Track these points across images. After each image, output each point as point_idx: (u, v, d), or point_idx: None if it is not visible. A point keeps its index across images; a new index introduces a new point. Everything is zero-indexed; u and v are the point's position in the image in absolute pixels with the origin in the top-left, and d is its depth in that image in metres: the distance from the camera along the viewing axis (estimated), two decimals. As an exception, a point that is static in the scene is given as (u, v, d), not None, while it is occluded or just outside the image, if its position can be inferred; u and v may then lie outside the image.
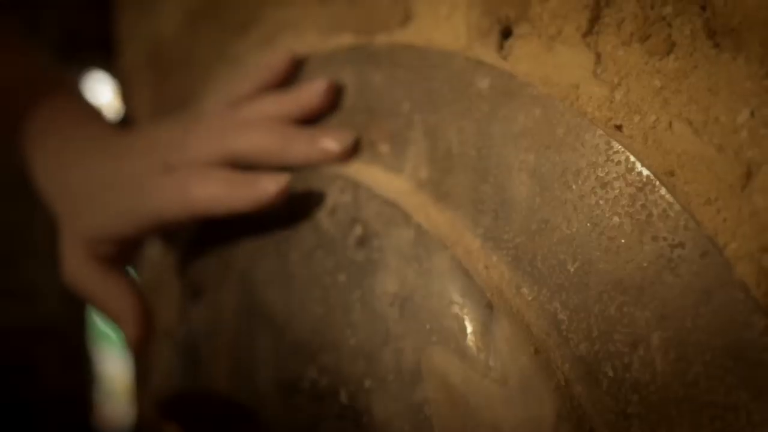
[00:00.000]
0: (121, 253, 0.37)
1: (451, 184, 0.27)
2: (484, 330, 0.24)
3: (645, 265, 0.22)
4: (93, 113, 0.41)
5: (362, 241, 0.28)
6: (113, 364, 1.19)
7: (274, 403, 0.30)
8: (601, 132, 0.24)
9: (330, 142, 0.31)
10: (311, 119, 0.33)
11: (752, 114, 0.21)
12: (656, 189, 0.22)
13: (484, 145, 0.26)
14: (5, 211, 0.85)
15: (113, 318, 0.36)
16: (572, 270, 0.23)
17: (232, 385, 0.32)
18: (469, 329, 0.24)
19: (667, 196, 0.22)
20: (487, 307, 0.24)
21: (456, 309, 0.25)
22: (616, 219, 0.23)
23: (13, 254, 0.86)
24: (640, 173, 0.23)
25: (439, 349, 0.25)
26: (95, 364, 1.02)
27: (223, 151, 0.33)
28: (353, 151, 0.31)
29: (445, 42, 0.29)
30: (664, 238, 0.22)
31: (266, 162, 0.32)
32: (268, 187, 0.30)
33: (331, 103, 0.33)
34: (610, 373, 0.22)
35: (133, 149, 0.36)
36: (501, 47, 0.27)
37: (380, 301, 0.26)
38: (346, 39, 0.33)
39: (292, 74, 0.35)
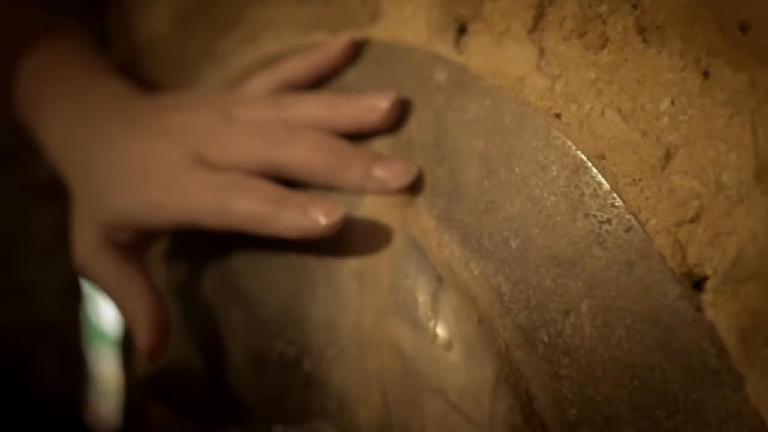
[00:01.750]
0: (140, 242, 0.35)
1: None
2: (434, 301, 0.27)
3: (577, 240, 0.25)
4: (105, 65, 0.38)
5: None
6: (108, 364, 1.21)
7: (247, 374, 0.32)
8: (542, 120, 0.26)
9: (388, 176, 0.29)
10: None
11: (673, 102, 0.24)
12: (588, 171, 0.25)
13: (441, 133, 0.29)
14: (2, 210, 0.86)
15: (127, 318, 0.33)
16: (514, 246, 0.26)
17: (209, 360, 0.35)
18: (420, 300, 0.27)
19: (598, 177, 0.25)
20: (437, 281, 0.27)
21: (409, 282, 0.27)
22: (552, 198, 0.26)
23: (10, 253, 0.88)
24: (574, 157, 0.25)
25: (394, 320, 0.27)
26: (91, 363, 1.04)
27: (267, 159, 0.30)
28: (410, 187, 0.29)
29: (409, 38, 0.32)
30: (594, 215, 0.25)
31: (311, 181, 0.30)
32: (319, 218, 0.28)
33: (392, 123, 0.30)
34: (545, 339, 0.25)
35: (165, 129, 0.33)
36: (457, 43, 0.30)
37: (342, 277, 0.29)
38: (321, 36, 0.36)
39: (350, 59, 0.33)
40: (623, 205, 0.24)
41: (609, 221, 0.24)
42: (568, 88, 0.26)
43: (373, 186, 0.29)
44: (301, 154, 0.30)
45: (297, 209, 0.29)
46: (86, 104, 0.36)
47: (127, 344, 0.48)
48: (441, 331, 0.26)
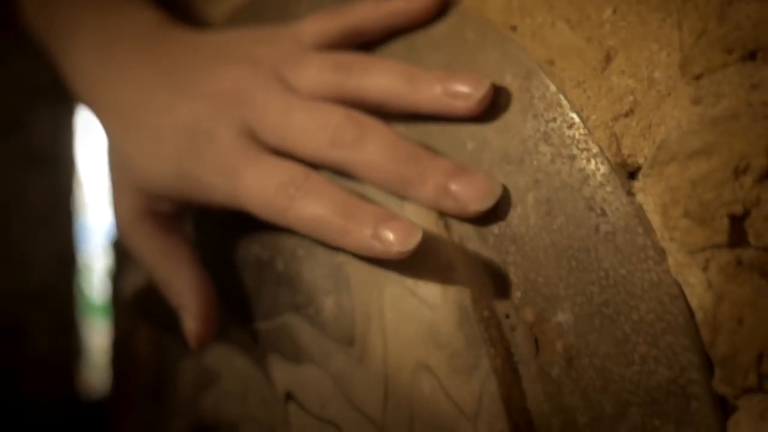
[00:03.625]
0: (180, 213, 0.34)
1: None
2: (398, 201, 0.29)
3: (526, 138, 0.28)
4: None
5: None
6: (100, 336, 1.23)
7: (228, 277, 0.35)
8: (500, 33, 0.29)
9: (469, 196, 0.27)
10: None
11: (614, 11, 0.27)
12: (538, 76, 0.28)
13: (410, 57, 0.32)
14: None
15: (173, 301, 0.33)
16: (470, 148, 0.29)
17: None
18: (381, 198, 0.30)
19: (546, 81, 0.28)
20: None
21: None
22: (506, 103, 0.29)
23: (3, 220, 0.89)
24: (526, 64, 0.28)
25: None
26: (83, 334, 1.07)
27: (331, 158, 0.29)
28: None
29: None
30: (542, 116, 0.28)
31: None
32: (393, 245, 0.26)
33: (480, 114, 0.28)
34: (496, 231, 0.28)
35: (214, 93, 0.30)
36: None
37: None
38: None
39: (435, 16, 0.31)
40: (568, 104, 0.27)
41: (554, 119, 0.27)
42: (523, 2, 0.29)
43: (450, 206, 0.27)
44: (371, 159, 0.28)
45: (369, 227, 0.27)
46: (114, 36, 0.34)
47: (116, 269, 0.51)
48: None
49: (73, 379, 0.99)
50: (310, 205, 0.28)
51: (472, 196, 0.27)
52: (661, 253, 0.24)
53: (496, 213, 0.28)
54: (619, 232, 0.25)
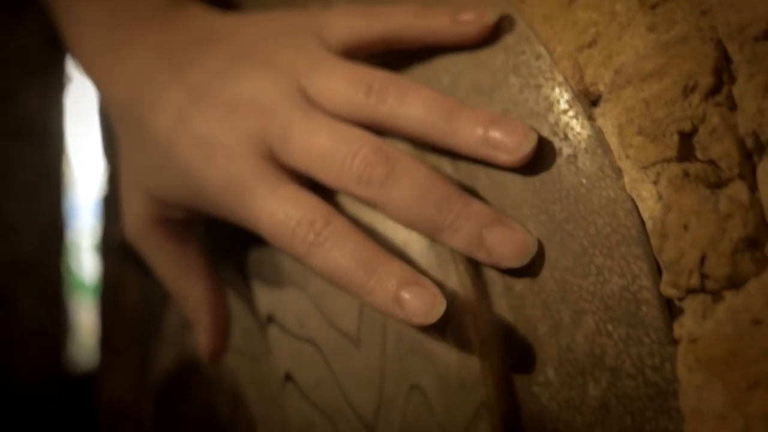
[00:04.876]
0: (194, 219, 0.33)
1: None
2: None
3: (497, 71, 0.30)
4: None
5: None
6: (86, 313, 1.24)
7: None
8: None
9: (505, 250, 0.26)
10: None
11: (581, -49, 0.29)
12: (510, 14, 0.30)
13: None
14: None
15: (186, 313, 0.33)
16: (446, 82, 0.31)
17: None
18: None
19: (515, 17, 0.30)
20: None
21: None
22: (479, 41, 0.31)
23: None
24: (500, 3, 0.31)
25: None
26: (70, 308, 1.08)
27: (356, 194, 0.28)
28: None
29: None
30: (512, 48, 0.30)
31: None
32: (415, 315, 0.25)
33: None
34: (466, 162, 0.30)
35: (230, 102, 0.29)
36: None
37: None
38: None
39: (482, 41, 0.29)
40: (536, 38, 0.29)
41: (524, 52, 0.29)
42: (498, -54, 0.32)
43: (482, 258, 0.27)
44: (401, 201, 0.27)
45: (391, 288, 0.26)
46: (122, 16, 0.33)
47: (104, 217, 0.53)
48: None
49: (60, 352, 1.00)
50: (331, 255, 0.27)
51: (507, 252, 0.26)
52: (618, 171, 0.26)
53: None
54: (580, 154, 0.27)
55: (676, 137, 0.25)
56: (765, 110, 0.23)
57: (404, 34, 0.30)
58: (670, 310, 0.25)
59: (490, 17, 0.28)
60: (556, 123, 0.28)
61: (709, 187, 0.24)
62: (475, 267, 0.29)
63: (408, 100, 0.28)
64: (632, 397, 0.25)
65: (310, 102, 0.29)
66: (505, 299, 0.28)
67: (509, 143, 0.26)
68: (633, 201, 0.26)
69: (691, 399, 0.24)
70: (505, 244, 0.26)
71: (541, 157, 0.28)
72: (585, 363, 0.26)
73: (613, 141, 0.27)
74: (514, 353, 0.28)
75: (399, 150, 0.28)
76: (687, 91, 0.24)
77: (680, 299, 0.25)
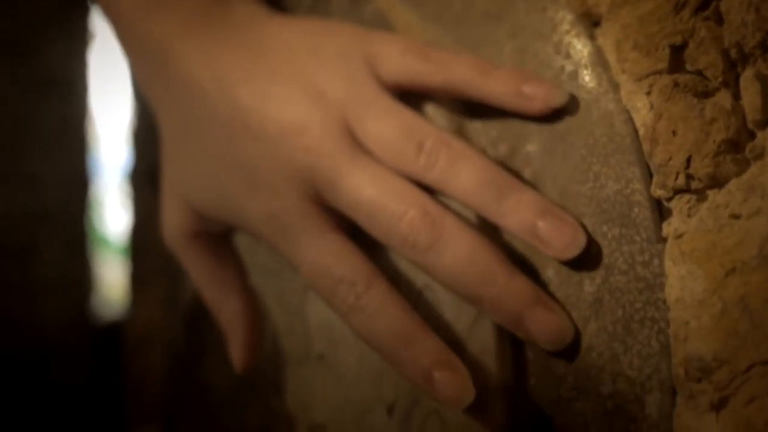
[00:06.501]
0: (231, 235, 0.35)
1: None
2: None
3: None
4: None
5: None
6: (109, 268, 1.28)
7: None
8: None
9: (547, 335, 0.27)
10: None
11: None
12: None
13: None
14: (12, 100, 0.93)
15: (221, 324, 0.34)
16: (458, 7, 0.34)
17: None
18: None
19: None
20: None
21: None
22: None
23: (16, 143, 0.94)
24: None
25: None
26: (94, 261, 1.12)
27: (402, 252, 0.28)
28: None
29: None
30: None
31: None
32: (444, 393, 0.26)
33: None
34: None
35: (277, 131, 0.29)
36: None
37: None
38: None
39: (545, 113, 0.29)
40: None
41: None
42: None
43: (521, 334, 0.27)
44: (445, 268, 0.27)
45: (424, 365, 0.27)
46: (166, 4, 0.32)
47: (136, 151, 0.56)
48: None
49: (83, 303, 1.04)
50: (368, 321, 0.27)
51: (545, 336, 0.27)
52: (615, 85, 0.29)
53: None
54: (581, 70, 0.30)
55: (667, 50, 0.27)
56: (749, 23, 0.26)
57: (463, 90, 0.30)
58: (660, 211, 0.28)
59: (557, 100, 0.29)
60: (560, 42, 0.31)
61: (696, 96, 0.27)
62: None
63: (458, 168, 0.28)
64: (623, 291, 0.28)
65: (357, 144, 0.29)
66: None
67: (558, 242, 0.27)
68: (628, 113, 0.29)
69: (675, 289, 0.27)
70: (544, 328, 0.27)
71: (544, 74, 0.31)
72: (582, 262, 0.29)
73: (611, 57, 0.29)
74: (516, 260, 0.31)
75: (446, 213, 0.28)
76: (678, 7, 0.27)
77: (668, 200, 0.28)
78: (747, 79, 0.26)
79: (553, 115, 0.30)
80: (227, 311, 0.33)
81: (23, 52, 0.91)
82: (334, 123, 0.29)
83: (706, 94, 0.27)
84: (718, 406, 0.25)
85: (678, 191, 0.27)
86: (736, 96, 0.27)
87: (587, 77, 0.30)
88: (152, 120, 0.36)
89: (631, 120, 0.29)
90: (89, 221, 1.03)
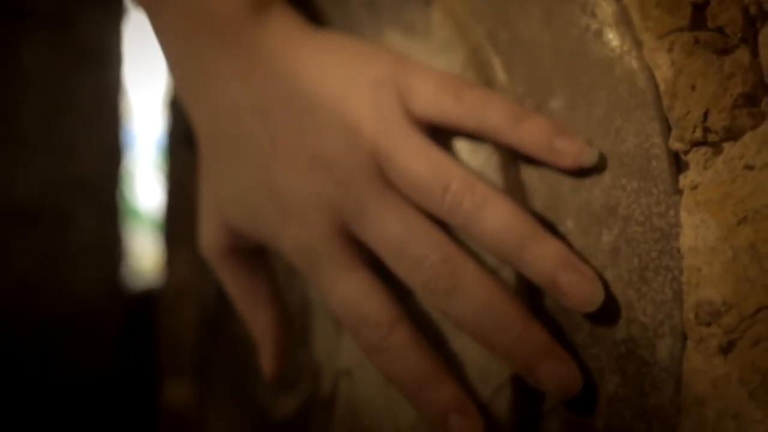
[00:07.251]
0: (265, 250, 0.36)
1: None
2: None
3: None
4: None
5: None
6: (142, 241, 1.31)
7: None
8: None
9: (557, 383, 0.28)
10: None
11: None
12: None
13: None
14: (50, 71, 0.96)
15: (253, 334, 0.36)
16: None
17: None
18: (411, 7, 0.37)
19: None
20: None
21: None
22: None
23: (53, 112, 0.97)
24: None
25: (392, 30, 0.38)
26: (126, 229, 1.14)
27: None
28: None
29: None
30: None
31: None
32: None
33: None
34: (506, 38, 0.35)
35: (310, 162, 0.31)
36: None
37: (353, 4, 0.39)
38: None
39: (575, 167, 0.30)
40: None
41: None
42: None
43: (532, 382, 0.28)
44: (462, 315, 0.28)
45: (440, 409, 0.29)
46: (199, 26, 0.33)
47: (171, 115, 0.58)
48: (423, 27, 0.36)
49: (117, 271, 1.07)
50: (389, 362, 0.29)
51: (556, 387, 0.28)
52: (639, 43, 0.31)
53: (507, 19, 0.35)
54: (606, 29, 0.32)
55: (689, 8, 0.29)
56: (769, -19, 0.27)
57: (494, 137, 0.31)
58: (678, 165, 0.30)
59: (588, 160, 0.29)
60: (586, 2, 0.32)
61: (716, 53, 0.28)
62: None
63: (483, 214, 0.29)
64: (639, 241, 0.30)
65: (386, 180, 0.31)
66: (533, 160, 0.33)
67: (577, 298, 0.28)
68: (650, 70, 0.30)
69: (689, 238, 0.28)
70: (554, 379, 0.28)
71: (570, 32, 0.33)
72: (600, 214, 0.31)
73: (635, 16, 0.31)
74: (536, 214, 0.32)
75: (467, 260, 0.29)
76: (701, -34, 0.29)
77: (685, 153, 0.29)
78: (765, 35, 0.27)
79: (578, 72, 0.32)
80: (259, 323, 0.36)
81: (61, 24, 0.94)
82: (364, 158, 0.30)
83: (725, 51, 0.28)
84: (726, 349, 0.27)
85: (695, 144, 0.28)
86: (755, 53, 0.28)
87: (611, 36, 0.31)
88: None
89: (653, 77, 0.30)
90: (121, 192, 1.05)
